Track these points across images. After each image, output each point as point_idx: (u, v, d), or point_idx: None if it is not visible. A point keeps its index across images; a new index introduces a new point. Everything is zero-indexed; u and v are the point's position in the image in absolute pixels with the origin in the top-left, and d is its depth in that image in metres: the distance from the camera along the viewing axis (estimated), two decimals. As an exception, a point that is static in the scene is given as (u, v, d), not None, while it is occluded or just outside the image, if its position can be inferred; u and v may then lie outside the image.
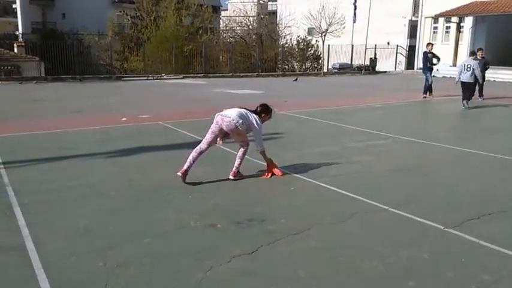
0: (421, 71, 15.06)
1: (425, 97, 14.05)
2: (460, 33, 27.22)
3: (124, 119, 9.48)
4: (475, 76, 11.85)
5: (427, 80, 14.09)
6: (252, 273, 3.09)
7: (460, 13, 26.21)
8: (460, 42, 27.05)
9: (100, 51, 28.79)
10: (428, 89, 14.12)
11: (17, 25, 43.26)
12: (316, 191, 4.92)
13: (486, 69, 13.63)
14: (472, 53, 13.66)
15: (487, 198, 4.70)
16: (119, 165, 5.96)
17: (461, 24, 27.19)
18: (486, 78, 13.93)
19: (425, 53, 14.37)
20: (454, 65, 26.68)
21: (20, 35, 37.86)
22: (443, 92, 14.84)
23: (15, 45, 26.85)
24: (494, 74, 16.11)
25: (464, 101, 11.90)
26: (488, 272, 3.13)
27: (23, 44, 26.68)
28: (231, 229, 3.84)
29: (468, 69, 11.80)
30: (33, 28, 41.44)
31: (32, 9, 43.01)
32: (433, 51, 14.27)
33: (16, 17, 43.94)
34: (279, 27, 33.82)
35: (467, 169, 6.03)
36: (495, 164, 6.26)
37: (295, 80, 21.99)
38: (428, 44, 14.86)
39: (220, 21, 40.67)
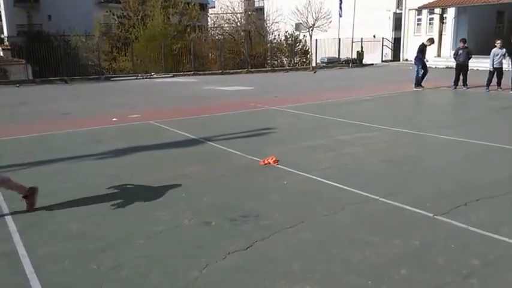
0: (413, 62, 15.19)
1: (422, 87, 14.14)
2: (444, 24, 27.57)
3: (114, 119, 9.43)
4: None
5: (417, 72, 14.21)
6: (247, 269, 3.12)
7: (443, 4, 26.57)
8: (443, 33, 27.43)
9: (88, 52, 28.52)
10: (421, 79, 14.23)
11: (2, 28, 42.66)
12: (308, 184, 4.96)
13: (469, 58, 13.88)
14: (463, 41, 13.93)
15: (473, 185, 4.78)
16: (110, 166, 5.94)
17: (444, 16, 27.57)
18: (470, 68, 14.19)
19: (423, 46, 14.45)
20: (439, 55, 26.98)
21: (6, 38, 37.37)
22: (430, 83, 14.96)
23: (0, 48, 26.51)
24: (478, 63, 16.34)
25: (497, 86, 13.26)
26: (477, 257, 3.19)
27: (8, 47, 26.41)
28: (225, 226, 3.86)
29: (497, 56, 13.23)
30: (18, 31, 40.90)
31: (17, 12, 42.44)
32: (426, 47, 14.35)
33: (1, 20, 43.33)
34: (266, 23, 33.78)
35: (455, 157, 6.11)
36: (481, 151, 6.37)
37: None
38: (430, 39, 14.98)
39: (208, 18, 40.51)
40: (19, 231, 3.79)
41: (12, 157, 6.40)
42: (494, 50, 13.26)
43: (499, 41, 13.37)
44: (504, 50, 13.25)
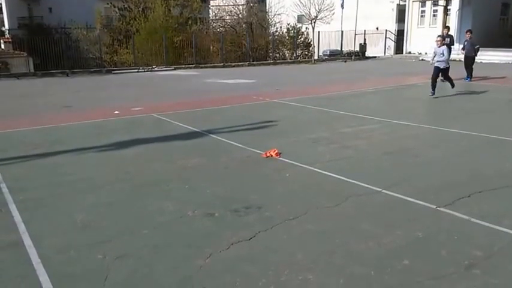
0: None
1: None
2: (448, 16, 27.38)
3: (116, 112, 9.45)
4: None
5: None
6: (250, 259, 3.15)
7: (447, -4, 26.39)
8: (447, 25, 27.24)
9: (89, 45, 28.45)
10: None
11: (3, 21, 42.56)
12: (311, 176, 4.98)
13: (476, 50, 13.70)
14: (469, 31, 13.79)
15: (476, 177, 4.80)
16: (113, 158, 5.97)
17: (448, 7, 27.36)
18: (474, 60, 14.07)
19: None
20: (442, 47, 26.80)
21: (7, 31, 37.29)
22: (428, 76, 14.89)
23: (1, 41, 26.49)
24: (482, 56, 16.25)
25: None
26: (480, 248, 3.21)
27: (10, 40, 26.33)
28: (228, 217, 3.89)
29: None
30: (19, 23, 40.75)
31: (18, 5, 42.27)
32: (450, 33, 14.26)
33: (1, 13, 43.21)
34: (268, 16, 33.57)
35: (457, 149, 6.11)
36: (483, 143, 6.37)
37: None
38: (446, 27, 14.92)
39: (210, 10, 40.27)
40: (25, 222, 3.83)
41: (17, 150, 6.43)
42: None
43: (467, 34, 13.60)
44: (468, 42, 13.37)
